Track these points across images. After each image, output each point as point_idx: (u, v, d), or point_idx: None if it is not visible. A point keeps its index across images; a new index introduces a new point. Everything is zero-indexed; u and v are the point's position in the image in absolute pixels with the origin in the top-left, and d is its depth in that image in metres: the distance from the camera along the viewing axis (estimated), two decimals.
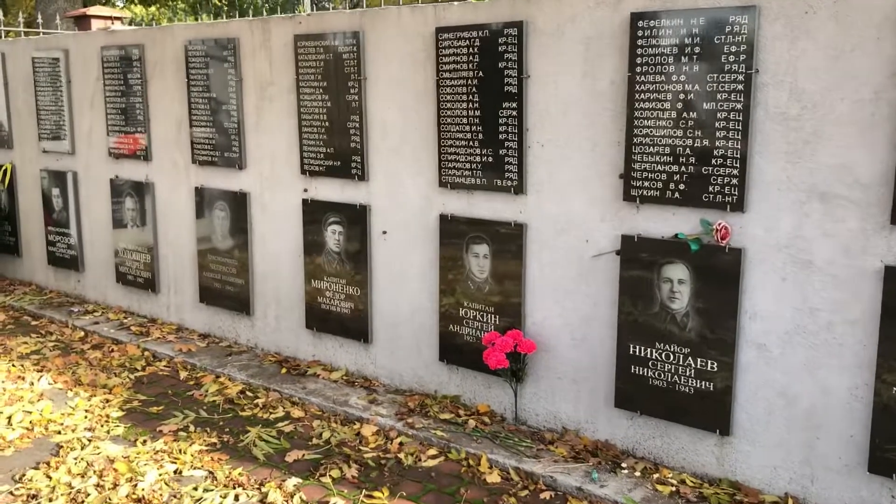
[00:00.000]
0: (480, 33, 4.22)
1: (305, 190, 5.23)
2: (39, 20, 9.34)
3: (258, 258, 5.61)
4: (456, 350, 4.60)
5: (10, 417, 4.58)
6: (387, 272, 4.90)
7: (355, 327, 5.08)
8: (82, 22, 9.98)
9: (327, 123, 4.99)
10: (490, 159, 4.28)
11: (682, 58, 3.57)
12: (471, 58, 4.27)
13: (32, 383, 5.11)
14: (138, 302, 6.62)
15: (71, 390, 5.03)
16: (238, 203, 5.64)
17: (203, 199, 5.86)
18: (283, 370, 5.31)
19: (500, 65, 4.17)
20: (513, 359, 4.20)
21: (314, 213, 5.18)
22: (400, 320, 4.88)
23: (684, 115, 3.60)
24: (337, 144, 4.96)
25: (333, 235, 5.10)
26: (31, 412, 4.67)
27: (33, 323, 6.62)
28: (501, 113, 4.20)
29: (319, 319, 5.28)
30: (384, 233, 4.86)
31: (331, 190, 5.08)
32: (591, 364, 4.10)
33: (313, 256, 5.22)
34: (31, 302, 7.09)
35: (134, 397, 4.96)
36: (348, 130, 4.89)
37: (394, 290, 4.88)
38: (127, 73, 6.25)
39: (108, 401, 4.87)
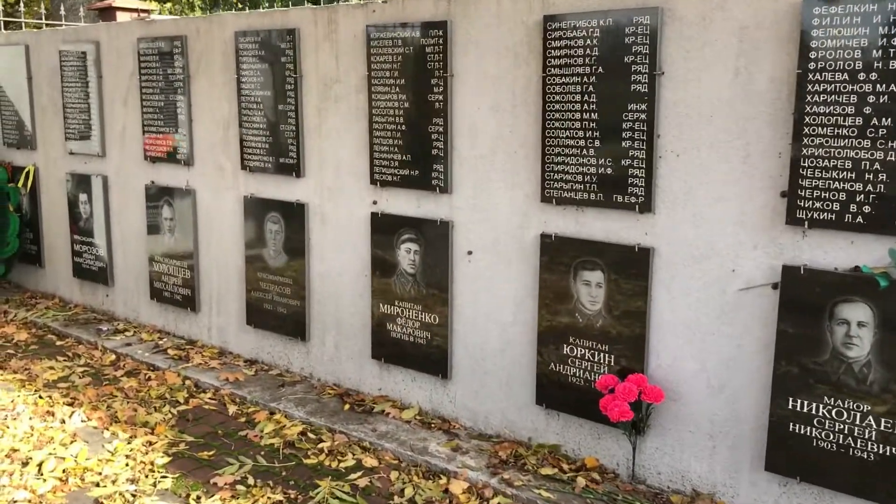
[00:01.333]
0: (602, 22, 3.57)
1: (375, 202, 4.58)
2: (62, 11, 8.71)
3: (316, 277, 4.97)
4: (557, 393, 3.94)
5: (40, 465, 3.95)
6: (472, 299, 4.24)
7: (432, 360, 4.43)
8: (107, 14, 9.37)
9: (403, 127, 4.34)
10: (609, 171, 3.62)
11: (875, 51, 2.90)
12: (588, 51, 3.62)
13: (63, 420, 4.47)
14: (175, 321, 5.98)
15: (107, 429, 4.39)
16: (294, 215, 4.99)
17: (253, 210, 5.22)
18: (346, 406, 4.66)
19: (625, 59, 3.51)
20: (634, 408, 3.54)
21: (385, 228, 4.53)
22: (487, 354, 4.22)
23: (873, 121, 2.93)
24: (414, 151, 4.32)
25: (408, 255, 4.44)
26: (64, 458, 4.03)
27: (58, 343, 5.99)
28: (626, 116, 3.54)
29: (388, 349, 4.63)
30: (469, 253, 4.21)
31: (405, 202, 4.43)
32: (733, 417, 3.44)
33: (382, 277, 4.57)
34: (54, 318, 6.47)
35: (180, 438, 4.32)
36: (429, 135, 4.24)
37: (480, 320, 4.22)
38: (166, 68, 5.62)
39: (150, 443, 4.23)
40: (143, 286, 6.17)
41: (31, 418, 4.48)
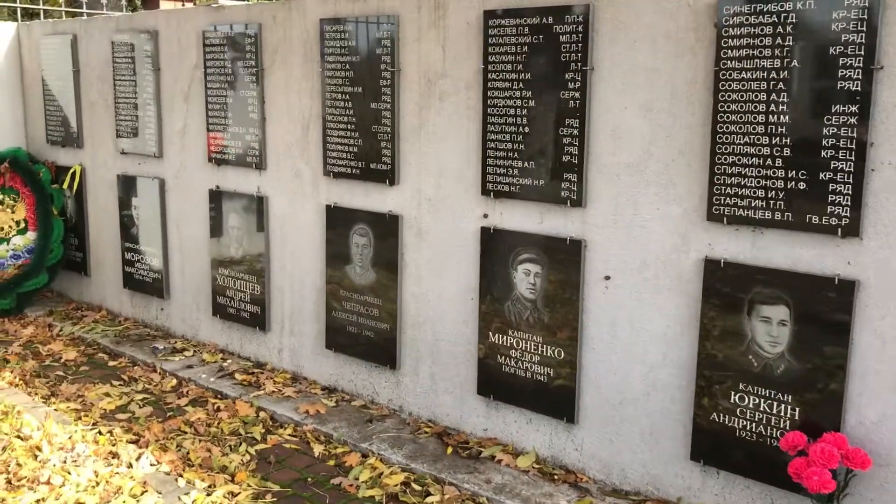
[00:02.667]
0: (800, 5, 2.92)
1: (485, 215, 3.97)
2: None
3: (409, 299, 4.36)
4: (719, 448, 3.31)
5: None
6: (608, 332, 3.62)
7: (554, 400, 3.82)
8: (150, 3, 8.83)
9: (526, 129, 3.72)
10: (802, 185, 2.99)
11: None
12: (778, 40, 2.98)
13: (131, 465, 3.89)
14: (240, 341, 5.40)
15: (181, 475, 3.81)
16: (385, 227, 4.39)
17: (336, 221, 4.62)
18: (449, 449, 4.05)
19: (831, 50, 2.87)
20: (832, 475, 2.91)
21: (498, 245, 3.91)
22: (626, 397, 3.60)
23: None
24: (539, 157, 3.70)
25: (526, 277, 3.83)
26: None
27: (111, 363, 5.43)
28: (829, 120, 2.90)
29: (498, 385, 4.02)
30: (607, 278, 3.58)
31: (525, 217, 3.82)
32: None
33: (494, 302, 3.96)
34: (104, 334, 5.91)
35: (264, 487, 3.73)
36: (559, 139, 3.61)
37: (618, 358, 3.60)
38: (237, 60, 5.03)
39: (232, 494, 3.65)
40: (203, 301, 5.59)
41: (93, 461, 3.90)
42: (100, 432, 4.25)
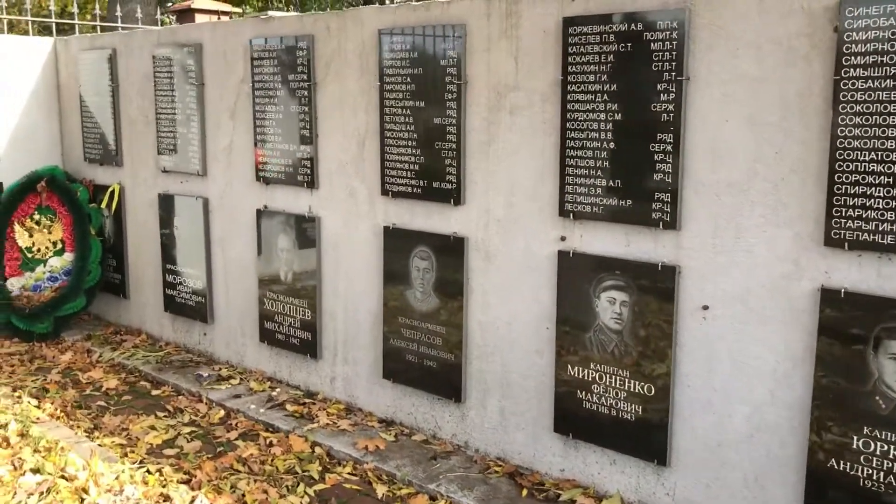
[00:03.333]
0: None
1: (563, 238, 3.67)
2: (118, 13, 7.92)
3: (476, 327, 4.06)
4: (838, 496, 2.97)
5: None
6: (704, 367, 3.30)
7: (643, 441, 3.49)
8: (185, 16, 8.62)
9: (612, 145, 3.42)
10: None
11: None
12: None
13: None
14: (289, 368, 5.12)
15: None
16: (449, 250, 4.10)
17: (395, 243, 4.34)
18: (524, 491, 3.74)
19: None
20: None
21: (578, 271, 3.61)
22: (726, 439, 3.27)
23: None
24: (627, 175, 3.40)
25: (611, 306, 3.51)
26: None
27: (154, 392, 5.17)
28: None
29: (577, 422, 3.71)
30: (705, 308, 3.27)
31: (609, 240, 3.51)
32: None
33: (573, 332, 3.65)
34: (145, 360, 5.66)
35: None
36: (650, 155, 3.31)
37: (718, 396, 3.27)
38: (287, 74, 4.77)
39: None
40: (250, 326, 5.32)
41: None
42: (148, 471, 3.97)
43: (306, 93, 4.69)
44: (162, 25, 9.03)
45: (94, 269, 6.34)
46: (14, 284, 6.21)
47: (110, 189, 6.29)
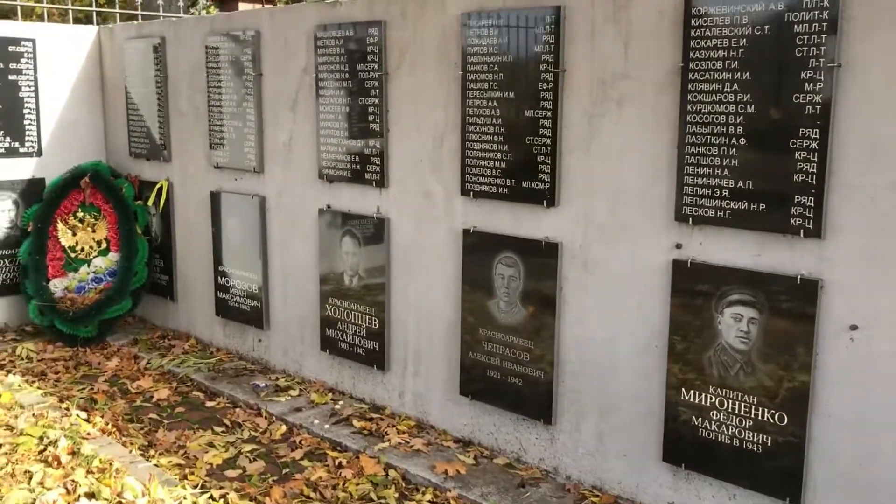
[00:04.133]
0: None
1: (678, 245, 3.27)
2: (160, 1, 7.57)
3: (570, 343, 3.68)
4: None
5: None
6: (851, 395, 2.89)
7: (771, 475, 3.09)
8: (228, 5, 8.28)
9: (742, 141, 3.02)
10: None
11: None
12: None
13: None
14: (352, 380, 4.76)
15: None
16: (540, 257, 3.71)
17: (476, 248, 3.96)
18: None
19: None
20: None
21: (697, 283, 3.21)
22: (878, 477, 2.86)
23: None
24: (760, 175, 3.00)
25: (737, 323, 3.11)
26: None
27: (209, 404, 4.84)
28: None
29: (691, 451, 3.31)
30: (853, 328, 2.85)
31: (736, 248, 3.11)
32: None
33: (688, 352, 3.26)
34: (196, 367, 5.33)
35: None
36: (790, 153, 2.90)
37: (868, 429, 2.87)
38: (356, 63, 4.40)
39: None
40: (310, 333, 4.98)
41: None
42: (212, 497, 3.64)
43: (377, 84, 4.32)
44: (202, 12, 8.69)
45: (140, 270, 6.03)
46: (57, 286, 5.92)
47: (157, 186, 5.97)
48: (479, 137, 3.87)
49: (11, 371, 5.26)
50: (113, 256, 6.10)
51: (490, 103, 3.81)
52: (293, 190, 4.95)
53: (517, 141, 3.73)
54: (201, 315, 5.83)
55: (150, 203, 6.04)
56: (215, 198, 5.47)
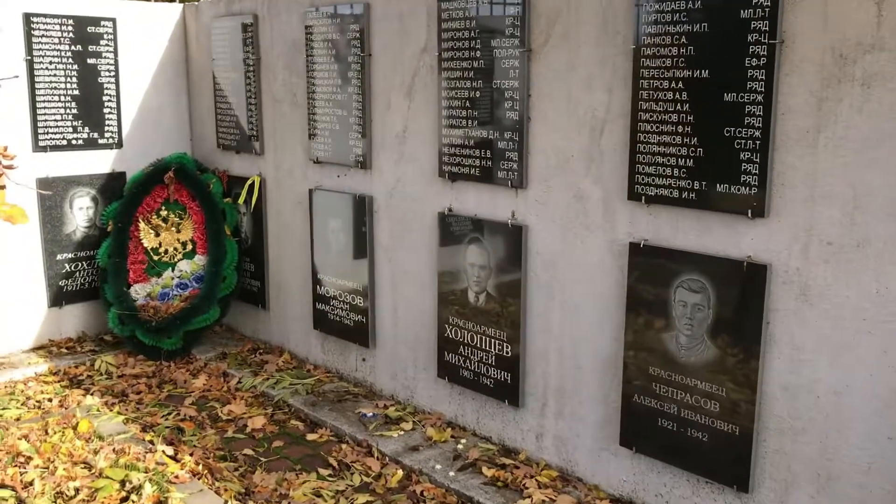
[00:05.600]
0: None
1: None
2: None
3: (778, 391, 2.86)
4: None
5: None
6: None
7: None
8: None
9: None
10: None
11: None
12: None
13: None
14: (476, 414, 4.04)
15: None
16: (740, 282, 2.90)
17: (647, 266, 3.17)
18: None
19: None
20: None
21: None
22: None
23: None
24: None
25: None
26: None
27: (310, 436, 4.19)
28: None
29: None
30: None
31: None
32: None
33: None
34: (293, 388, 4.69)
35: None
36: None
37: None
38: (490, 39, 3.65)
39: None
40: (424, 356, 4.27)
41: None
42: None
43: (516, 63, 3.55)
44: None
45: (229, 275, 5.42)
46: (139, 292, 5.36)
47: (249, 181, 5.34)
48: (657, 127, 3.07)
49: (90, 389, 4.72)
50: (199, 259, 5.51)
51: (673, 84, 3.00)
52: (407, 189, 4.23)
53: (712, 132, 2.92)
54: (296, 327, 5.19)
55: (240, 201, 5.42)
56: (314, 196, 4.81)
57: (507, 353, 3.81)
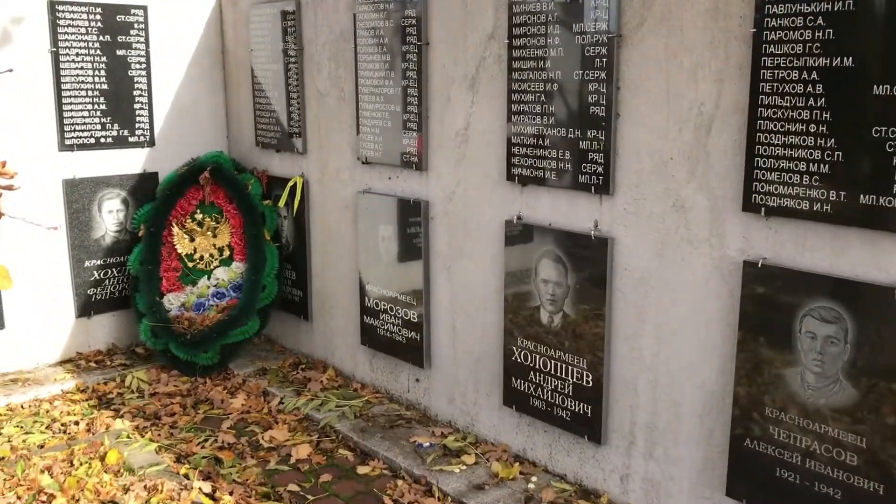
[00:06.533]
0: None
1: None
2: None
3: None
4: None
5: None
6: None
7: None
8: None
9: None
10: None
11: None
12: None
13: None
14: (548, 448, 3.57)
15: None
16: (889, 313, 2.39)
17: (767, 291, 2.69)
18: None
19: None
20: None
21: None
22: None
23: None
24: None
25: None
26: None
27: (360, 469, 3.77)
28: None
29: None
30: None
31: None
32: None
33: None
34: (340, 412, 4.27)
35: None
36: None
37: None
38: (571, 23, 3.17)
39: None
40: (487, 381, 3.82)
41: None
42: None
43: (603, 50, 3.07)
44: None
45: (269, 284, 5.01)
46: (172, 302, 4.96)
47: (290, 183, 4.91)
48: (782, 126, 2.58)
49: (120, 410, 4.33)
50: (237, 267, 5.11)
51: (805, 75, 2.51)
52: (468, 193, 3.77)
53: (855, 133, 2.42)
54: (342, 342, 4.76)
55: (280, 204, 5.00)
56: (363, 200, 4.37)
57: (588, 382, 3.34)
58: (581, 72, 3.17)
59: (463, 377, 3.98)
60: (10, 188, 2.06)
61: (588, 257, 3.27)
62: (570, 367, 3.40)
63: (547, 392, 3.51)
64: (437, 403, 4.15)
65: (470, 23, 3.64)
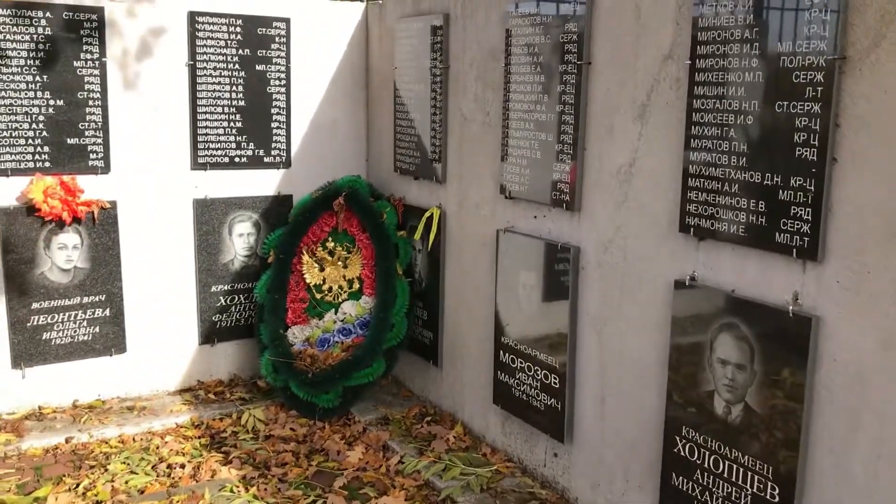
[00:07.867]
0: None
1: None
2: None
3: None
4: None
5: None
6: None
7: None
8: None
9: None
10: None
11: None
12: None
13: None
14: None
15: None
16: None
17: None
18: None
19: None
20: None
21: None
22: None
23: None
24: None
25: None
26: None
27: None
28: None
29: None
30: None
31: None
32: None
33: None
34: (465, 482, 3.74)
35: None
36: None
37: None
38: (774, 41, 2.48)
39: None
40: (641, 470, 3.14)
41: None
42: None
43: (820, 77, 2.37)
44: None
45: (398, 323, 4.56)
46: (297, 335, 4.61)
47: (427, 214, 4.44)
48: None
49: (229, 454, 3.99)
50: (366, 302, 4.69)
51: None
52: (629, 243, 3.13)
53: None
54: (473, 396, 4.22)
55: (416, 236, 4.53)
56: (503, 239, 3.82)
57: (774, 497, 2.61)
58: (785, 103, 2.47)
59: (610, 460, 3.33)
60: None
61: (783, 338, 2.55)
62: (750, 474, 2.68)
63: (719, 500, 2.80)
64: (578, 486, 3.51)
65: (642, 39, 3.01)
